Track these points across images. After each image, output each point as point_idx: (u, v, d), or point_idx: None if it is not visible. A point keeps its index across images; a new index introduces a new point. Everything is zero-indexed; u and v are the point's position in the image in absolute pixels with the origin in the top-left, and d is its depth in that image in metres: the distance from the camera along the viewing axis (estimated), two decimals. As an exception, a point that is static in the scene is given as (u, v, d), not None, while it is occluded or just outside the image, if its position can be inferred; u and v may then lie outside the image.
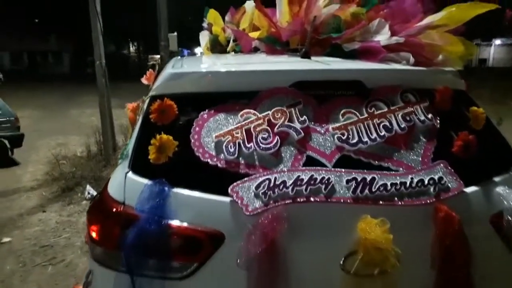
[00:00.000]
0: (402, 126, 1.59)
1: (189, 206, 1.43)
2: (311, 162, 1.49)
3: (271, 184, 1.41)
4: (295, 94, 1.63)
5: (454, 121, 1.71)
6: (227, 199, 1.41)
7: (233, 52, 2.66)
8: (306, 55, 1.96)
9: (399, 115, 1.62)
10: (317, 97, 1.65)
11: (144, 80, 1.92)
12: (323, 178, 1.43)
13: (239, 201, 1.38)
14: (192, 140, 1.52)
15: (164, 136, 1.52)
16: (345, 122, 1.57)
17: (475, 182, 1.57)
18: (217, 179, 1.46)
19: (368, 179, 1.44)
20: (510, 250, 1.51)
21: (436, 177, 1.49)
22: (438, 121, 1.66)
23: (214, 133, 1.53)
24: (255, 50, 2.46)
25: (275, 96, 1.64)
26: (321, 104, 1.63)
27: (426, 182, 1.47)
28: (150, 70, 1.94)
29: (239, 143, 1.50)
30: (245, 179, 1.42)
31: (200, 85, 1.68)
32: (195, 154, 1.49)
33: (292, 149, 1.52)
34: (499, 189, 1.55)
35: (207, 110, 1.60)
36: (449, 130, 1.67)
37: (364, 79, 1.68)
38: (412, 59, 1.86)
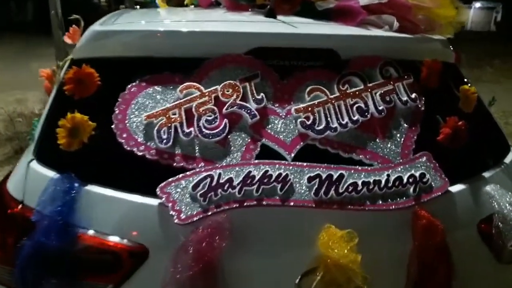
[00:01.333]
0: (380, 108, 1.27)
1: (105, 210, 1.10)
2: (266, 153, 1.17)
3: (214, 183, 1.08)
4: (252, 64, 1.28)
5: (441, 102, 1.41)
6: (154, 202, 1.08)
7: (192, 6, 2.24)
8: (271, 14, 1.58)
9: (377, 94, 1.30)
10: (279, 69, 1.31)
11: (67, 39, 1.50)
12: (279, 175, 1.12)
13: (170, 206, 1.06)
14: (115, 122, 1.16)
15: (78, 115, 1.16)
16: (311, 103, 1.24)
17: (462, 179, 1.30)
18: (144, 175, 1.13)
19: (335, 176, 1.14)
20: (498, 261, 1.26)
21: (417, 174, 1.20)
22: (423, 103, 1.35)
23: (144, 112, 1.17)
24: (217, 4, 2.04)
25: (226, 66, 1.28)
26: (283, 78, 1.29)
27: (405, 180, 1.19)
28: (73, 26, 1.51)
29: (175, 127, 1.15)
30: (180, 175, 1.09)
31: (131, 48, 1.30)
32: (118, 140, 1.13)
33: (244, 136, 1.18)
34: (490, 188, 1.29)
35: (137, 82, 1.22)
36: (434, 114, 1.36)
37: (337, 47, 1.34)
38: (396, 24, 1.52)
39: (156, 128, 1.15)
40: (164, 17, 1.65)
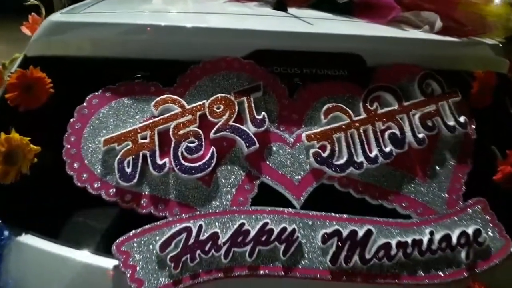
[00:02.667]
0: (420, 136, 0.95)
1: (41, 271, 0.79)
2: (266, 197, 0.87)
3: (191, 241, 0.78)
4: (253, 72, 0.97)
5: (498, 128, 1.07)
6: (108, 263, 0.78)
7: None
8: (280, 6, 1.26)
9: (416, 117, 0.98)
10: (288, 79, 1.00)
11: (24, 29, 1.19)
12: (283, 230, 0.81)
13: (128, 273, 0.75)
14: (67, 146, 0.85)
15: (16, 137, 0.85)
16: (328, 127, 0.92)
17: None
18: (97, 224, 0.81)
19: (361, 233, 0.83)
20: None
21: (470, 231, 0.89)
22: (474, 129, 1.02)
23: (103, 135, 0.86)
24: None
25: (218, 73, 0.97)
26: (292, 91, 0.97)
27: (454, 240, 0.87)
28: (33, 13, 1.20)
29: (144, 157, 0.84)
30: (145, 227, 0.78)
31: (99, 46, 0.99)
32: (67, 172, 0.82)
33: (237, 171, 0.87)
34: None
35: (100, 92, 0.91)
36: (489, 144, 1.03)
37: (364, 52, 1.03)
38: (439, 23, 1.18)
39: (118, 158, 0.84)
40: (148, 8, 1.33)
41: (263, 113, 0.93)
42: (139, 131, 0.88)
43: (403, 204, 0.90)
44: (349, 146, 0.92)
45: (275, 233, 0.81)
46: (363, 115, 0.97)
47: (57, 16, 1.08)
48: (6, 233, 0.80)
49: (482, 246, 0.88)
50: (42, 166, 0.86)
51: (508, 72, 1.29)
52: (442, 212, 0.92)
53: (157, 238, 0.79)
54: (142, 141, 0.87)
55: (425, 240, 0.86)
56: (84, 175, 0.84)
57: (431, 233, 0.87)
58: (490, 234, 0.91)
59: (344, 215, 0.86)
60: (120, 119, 0.91)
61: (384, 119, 0.97)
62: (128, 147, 0.86)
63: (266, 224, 0.82)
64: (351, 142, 0.92)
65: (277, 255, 0.81)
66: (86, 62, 1.01)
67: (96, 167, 0.85)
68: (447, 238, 0.87)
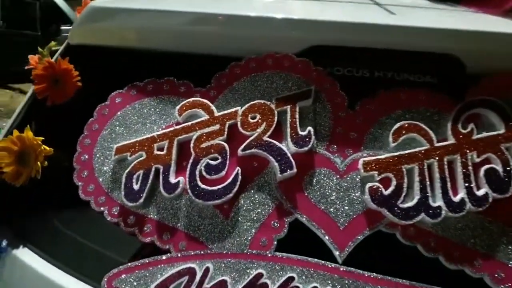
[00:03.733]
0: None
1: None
2: (298, 240, 0.66)
3: (192, 286, 0.62)
4: (306, 73, 0.77)
5: None
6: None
7: None
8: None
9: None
10: (351, 85, 0.79)
11: (78, 15, 1.14)
12: (313, 291, 0.60)
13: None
14: (79, 150, 0.76)
15: (30, 135, 0.77)
16: (397, 153, 0.69)
17: None
18: (92, 248, 0.70)
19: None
20: None
21: None
22: None
23: (119, 141, 0.74)
24: None
25: (262, 73, 0.78)
26: (354, 101, 0.75)
27: None
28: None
29: (156, 173, 0.70)
30: (143, 262, 0.64)
31: (142, 36, 0.90)
32: (74, 180, 0.73)
33: (265, 202, 0.69)
34: None
35: (125, 90, 0.80)
36: None
37: (463, 52, 0.77)
38: None
39: (127, 171, 0.71)
40: None
41: (309, 128, 0.72)
42: (157, 140, 0.74)
43: (497, 274, 0.63)
44: (424, 184, 0.67)
45: (303, 294, 0.61)
46: (451, 141, 0.71)
47: (100, 1, 1.00)
48: (3, 244, 0.73)
49: None
50: (53, 170, 0.77)
51: None
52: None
53: (154, 277, 0.64)
54: (158, 152, 0.73)
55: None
56: (91, 187, 0.73)
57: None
58: None
59: (406, 282, 0.62)
60: (141, 124, 0.79)
61: (482, 148, 0.70)
62: (141, 159, 0.73)
63: (291, 279, 0.62)
64: (428, 178, 0.67)
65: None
66: (130, 54, 0.90)
67: (104, 178, 0.73)
68: None
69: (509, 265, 0.64)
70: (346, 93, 0.78)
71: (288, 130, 0.73)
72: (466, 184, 0.67)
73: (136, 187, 0.70)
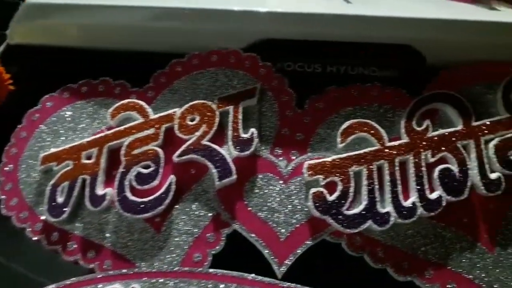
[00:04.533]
0: (493, 177, 0.62)
1: None
2: (236, 255, 0.62)
3: None
4: (253, 70, 0.72)
5: None
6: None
7: None
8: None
9: (491, 146, 0.64)
10: (301, 80, 0.74)
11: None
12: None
13: None
14: (4, 160, 0.71)
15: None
16: (345, 155, 0.64)
17: None
18: (13, 270, 0.65)
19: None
20: None
21: None
22: None
23: (46, 150, 0.69)
24: None
25: (206, 71, 0.73)
26: (303, 99, 0.70)
27: None
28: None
29: (83, 184, 0.65)
30: (63, 284, 0.59)
31: (69, 34, 0.82)
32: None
33: (201, 213, 0.64)
34: None
35: (58, 93, 0.75)
36: None
37: (420, 42, 0.73)
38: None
39: (52, 182, 0.66)
40: None
41: (252, 130, 0.68)
42: (85, 147, 0.69)
43: (448, 286, 0.59)
44: (373, 188, 0.62)
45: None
46: (404, 139, 0.66)
47: None
48: None
49: None
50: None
51: None
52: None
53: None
54: (86, 161, 0.68)
55: None
56: (14, 201, 0.68)
57: None
58: None
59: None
60: (71, 129, 0.73)
61: (437, 147, 0.65)
62: (67, 169, 0.68)
63: (226, 299, 0.57)
64: (377, 181, 0.63)
65: None
66: (70, 54, 0.85)
67: (28, 192, 0.68)
68: None
69: (462, 275, 0.60)
70: (296, 91, 0.74)
71: (230, 132, 0.68)
72: (418, 187, 0.62)
73: (60, 200, 0.65)
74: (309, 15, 0.76)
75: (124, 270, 0.60)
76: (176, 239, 0.63)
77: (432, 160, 0.65)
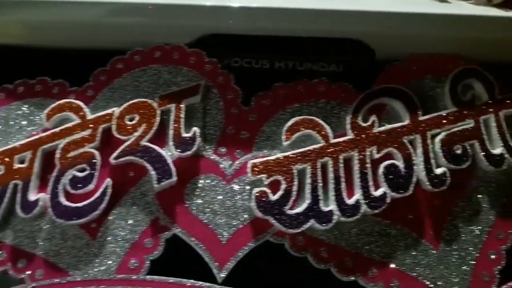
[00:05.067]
0: (439, 173, 0.62)
1: None
2: (175, 260, 0.60)
3: None
4: (198, 66, 0.71)
5: None
6: None
7: None
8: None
9: (437, 141, 0.64)
10: (248, 77, 0.73)
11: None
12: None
13: None
14: None
15: None
16: (289, 153, 0.63)
17: None
18: None
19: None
20: None
21: None
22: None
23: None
24: None
25: (148, 68, 0.71)
26: (249, 96, 0.69)
27: None
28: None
29: (14, 190, 0.62)
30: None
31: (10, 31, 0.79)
32: None
33: (138, 218, 0.62)
34: None
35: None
36: None
37: (370, 36, 0.72)
38: (501, -9, 0.81)
39: (-18, 188, 0.63)
40: None
41: (194, 129, 0.66)
42: (18, 150, 0.66)
43: (392, 284, 0.59)
44: (316, 186, 0.61)
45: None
46: (349, 136, 0.65)
47: None
48: None
49: None
50: None
51: None
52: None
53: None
54: (19, 165, 0.65)
55: None
56: None
57: None
58: None
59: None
60: (6, 132, 0.70)
61: (382, 143, 0.65)
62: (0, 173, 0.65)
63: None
64: (321, 179, 0.62)
65: None
66: (13, 53, 0.81)
67: None
68: None
69: (406, 273, 0.59)
70: (244, 87, 0.72)
71: (171, 132, 0.66)
72: (362, 184, 0.62)
73: (-12, 206, 0.62)
74: (256, 9, 0.74)
75: (56, 280, 0.58)
76: (112, 246, 0.61)
77: (377, 156, 0.64)
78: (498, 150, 0.65)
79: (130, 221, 0.62)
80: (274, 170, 0.62)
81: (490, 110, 0.68)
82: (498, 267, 0.61)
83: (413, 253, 0.60)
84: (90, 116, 0.68)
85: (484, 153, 0.65)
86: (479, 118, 0.67)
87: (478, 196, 0.65)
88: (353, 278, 0.59)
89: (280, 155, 0.63)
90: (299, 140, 0.66)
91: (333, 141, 0.65)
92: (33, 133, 0.70)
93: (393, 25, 0.75)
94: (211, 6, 0.74)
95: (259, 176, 0.62)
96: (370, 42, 0.73)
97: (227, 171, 0.65)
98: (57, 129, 0.67)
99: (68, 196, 0.62)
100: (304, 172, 0.62)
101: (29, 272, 0.60)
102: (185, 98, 0.69)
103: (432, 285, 0.59)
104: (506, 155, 0.65)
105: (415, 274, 0.59)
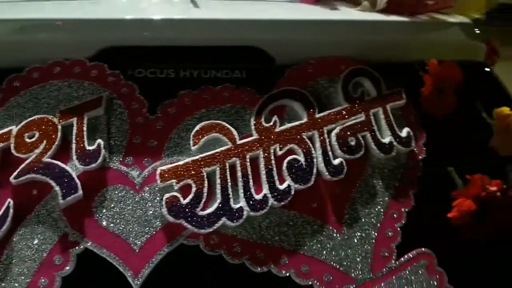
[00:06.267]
0: (336, 163, 0.70)
1: None
2: (88, 274, 0.60)
3: None
4: (100, 79, 0.73)
5: (462, 142, 0.81)
6: None
7: None
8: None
9: (333, 135, 0.71)
10: (153, 87, 0.76)
11: None
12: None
13: None
14: None
15: None
16: (197, 157, 0.66)
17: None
18: None
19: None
20: None
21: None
22: (424, 145, 0.76)
23: None
24: None
25: (47, 84, 0.72)
26: (155, 105, 0.71)
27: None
28: None
29: None
30: None
31: None
32: None
33: (46, 236, 0.62)
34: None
35: None
36: (445, 166, 0.78)
37: (268, 43, 0.79)
38: (383, -2, 0.92)
39: None
40: None
41: (98, 141, 0.67)
42: None
43: (302, 269, 0.64)
44: (225, 185, 0.65)
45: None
46: (255, 136, 0.71)
47: None
48: None
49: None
50: None
51: (486, 59, 1.04)
52: (364, 278, 0.66)
53: None
54: None
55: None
56: None
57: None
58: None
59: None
60: None
61: (284, 140, 0.71)
62: None
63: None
64: (229, 179, 0.66)
65: None
66: None
67: None
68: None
69: (314, 257, 0.65)
70: (149, 97, 0.75)
71: (74, 146, 0.67)
72: (268, 179, 0.67)
73: None
74: (156, 21, 0.78)
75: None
76: (18, 267, 0.60)
77: (280, 153, 0.70)
78: (387, 139, 0.75)
79: (36, 241, 0.61)
80: (183, 174, 0.66)
81: (378, 104, 0.77)
82: (395, 242, 0.69)
83: (320, 238, 0.67)
84: (-15, 131, 0.66)
85: (375, 143, 0.73)
86: (369, 112, 0.76)
87: (373, 181, 0.73)
88: (265, 268, 0.63)
89: (188, 159, 0.67)
90: (208, 144, 0.70)
91: (239, 142, 0.69)
92: None
93: (289, 32, 0.83)
94: (111, 19, 0.77)
95: (168, 182, 0.65)
96: (269, 49, 0.79)
97: (135, 180, 0.67)
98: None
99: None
100: (214, 173, 0.66)
101: None
102: (87, 111, 0.70)
103: (338, 266, 0.66)
104: (395, 143, 0.75)
105: (323, 257, 0.66)
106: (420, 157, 0.76)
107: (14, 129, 0.67)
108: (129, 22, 0.78)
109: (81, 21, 0.77)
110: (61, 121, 0.68)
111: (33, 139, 0.66)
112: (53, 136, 0.66)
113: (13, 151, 0.65)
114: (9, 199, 0.62)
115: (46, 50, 0.77)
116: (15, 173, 0.63)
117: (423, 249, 0.69)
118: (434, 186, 0.75)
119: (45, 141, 0.66)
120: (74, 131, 0.68)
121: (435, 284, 0.66)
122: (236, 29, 0.81)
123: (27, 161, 0.65)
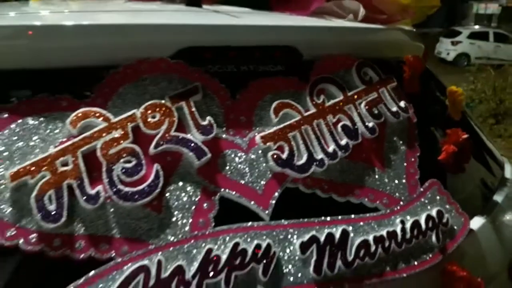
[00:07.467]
0: (370, 125, 0.98)
1: None
2: (230, 212, 0.80)
3: (152, 282, 0.68)
4: (185, 73, 0.89)
5: (430, 110, 1.18)
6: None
7: None
8: (194, 1, 1.20)
9: (362, 106, 1.00)
10: (226, 78, 0.94)
11: None
12: (258, 248, 0.75)
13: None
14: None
15: None
16: (282, 126, 0.90)
17: (474, 209, 1.07)
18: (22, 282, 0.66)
19: (337, 235, 0.82)
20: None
21: (433, 213, 0.94)
22: (413, 113, 1.10)
23: (7, 167, 0.71)
24: None
25: (143, 77, 0.87)
26: (234, 91, 0.91)
27: (423, 225, 0.91)
28: None
29: (70, 188, 0.71)
30: (90, 275, 0.65)
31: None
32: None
33: (191, 189, 0.79)
34: (508, 217, 1.08)
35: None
36: (429, 126, 1.13)
37: (299, 43, 1.02)
38: (362, 11, 1.26)
39: (34, 194, 0.69)
40: (38, 9, 1.16)
41: (208, 118, 0.86)
42: (56, 156, 0.74)
43: (370, 197, 0.92)
44: (307, 144, 0.90)
45: (249, 253, 0.75)
46: (313, 110, 0.97)
47: None
48: None
49: (447, 227, 0.94)
50: None
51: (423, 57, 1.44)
52: (406, 199, 0.96)
53: (107, 286, 0.67)
54: (63, 168, 0.74)
55: (398, 230, 0.88)
56: None
57: (402, 222, 0.90)
58: (450, 213, 0.97)
59: (315, 219, 0.84)
60: (27, 146, 0.76)
61: (334, 112, 0.98)
62: (45, 179, 0.72)
63: (237, 245, 0.75)
64: (308, 139, 0.91)
65: (256, 278, 0.75)
66: None
67: (5, 211, 0.69)
68: (417, 224, 0.91)
69: (375, 189, 0.94)
70: (225, 86, 0.95)
71: (191, 122, 0.85)
72: (333, 139, 0.93)
73: (51, 207, 0.70)
74: (220, 26, 0.99)
75: (143, 250, 0.70)
76: (178, 214, 0.76)
77: (334, 120, 0.97)
78: (394, 108, 1.07)
79: (185, 193, 0.78)
80: (277, 138, 0.89)
81: (382, 86, 1.09)
82: (417, 176, 1.00)
83: (375, 176, 0.95)
84: (114, 119, 0.81)
85: (388, 111, 1.05)
86: (379, 91, 1.07)
87: (394, 137, 1.04)
88: (346, 199, 0.89)
89: (277, 127, 0.90)
90: (283, 117, 0.93)
91: (305, 114, 0.95)
92: (60, 141, 0.78)
93: (314, 35, 1.10)
94: (187, 25, 0.96)
95: (268, 144, 0.88)
96: (300, 48, 1.05)
97: (242, 145, 0.88)
98: (88, 133, 0.78)
99: (124, 184, 0.75)
100: (296, 136, 0.91)
101: (114, 251, 0.70)
102: (190, 97, 0.88)
103: (389, 192, 0.94)
104: (399, 111, 1.07)
105: (380, 188, 0.94)
106: (414, 120, 1.10)
107: (137, 111, 0.83)
108: (198, 28, 0.98)
109: (155, 26, 0.94)
110: (173, 104, 0.86)
111: (156, 119, 0.83)
112: (172, 116, 0.84)
113: (143, 128, 0.81)
114: (155, 164, 0.78)
115: (126, 49, 0.92)
116: (153, 144, 0.80)
117: (433, 179, 1.01)
118: (427, 140, 1.08)
119: (167, 120, 0.83)
120: (186, 111, 0.86)
121: (444, 198, 0.99)
122: (279, 33, 1.06)
123: (158, 136, 0.81)
